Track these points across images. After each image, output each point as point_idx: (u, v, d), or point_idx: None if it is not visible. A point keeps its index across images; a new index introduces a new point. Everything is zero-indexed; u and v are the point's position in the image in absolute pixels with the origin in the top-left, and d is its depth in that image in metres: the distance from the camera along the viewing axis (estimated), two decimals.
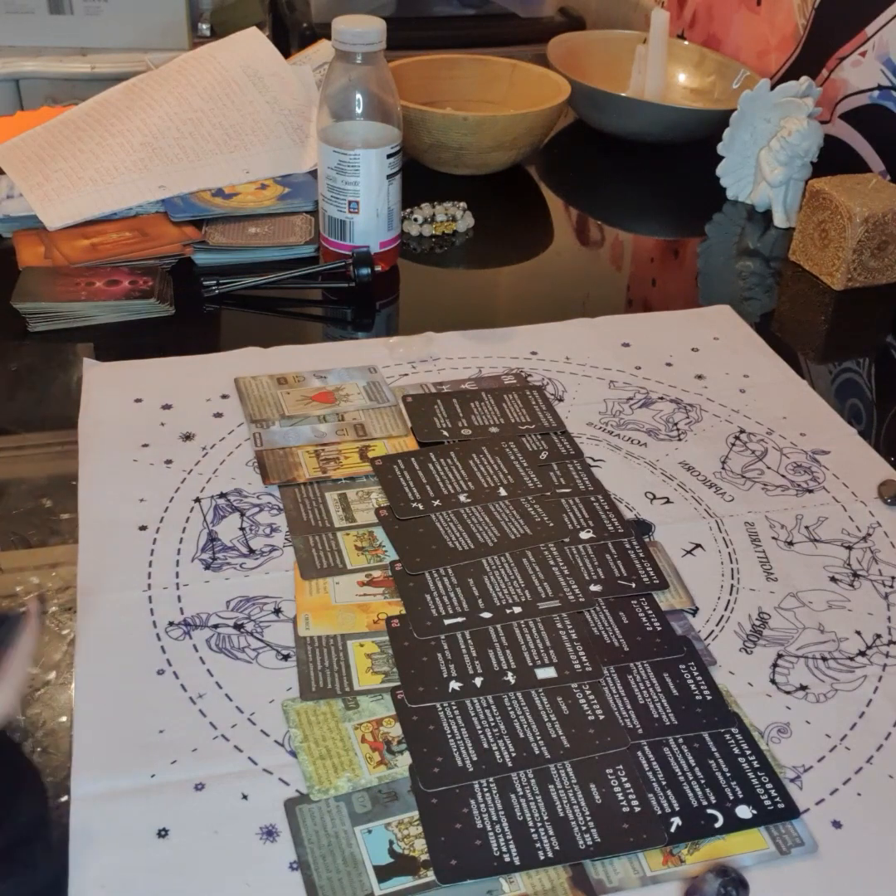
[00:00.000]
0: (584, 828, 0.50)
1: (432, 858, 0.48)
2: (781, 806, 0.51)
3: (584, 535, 0.67)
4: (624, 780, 0.52)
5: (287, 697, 0.56)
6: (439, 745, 0.53)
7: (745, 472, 0.74)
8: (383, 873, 0.48)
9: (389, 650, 0.58)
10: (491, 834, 0.49)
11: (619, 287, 1.03)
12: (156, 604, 0.61)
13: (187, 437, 0.74)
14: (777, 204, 1.08)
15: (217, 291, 0.90)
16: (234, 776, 0.52)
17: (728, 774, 0.52)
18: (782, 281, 1.01)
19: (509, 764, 0.52)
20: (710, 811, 0.51)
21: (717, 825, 0.50)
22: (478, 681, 0.56)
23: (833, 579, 0.65)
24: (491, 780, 0.51)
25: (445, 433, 0.75)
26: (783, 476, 0.74)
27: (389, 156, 0.91)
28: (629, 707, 0.56)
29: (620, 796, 0.51)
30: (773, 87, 1.08)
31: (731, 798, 0.51)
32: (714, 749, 0.54)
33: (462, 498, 0.69)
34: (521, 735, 0.54)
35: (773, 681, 0.58)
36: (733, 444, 0.76)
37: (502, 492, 0.69)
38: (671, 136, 1.22)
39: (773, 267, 1.03)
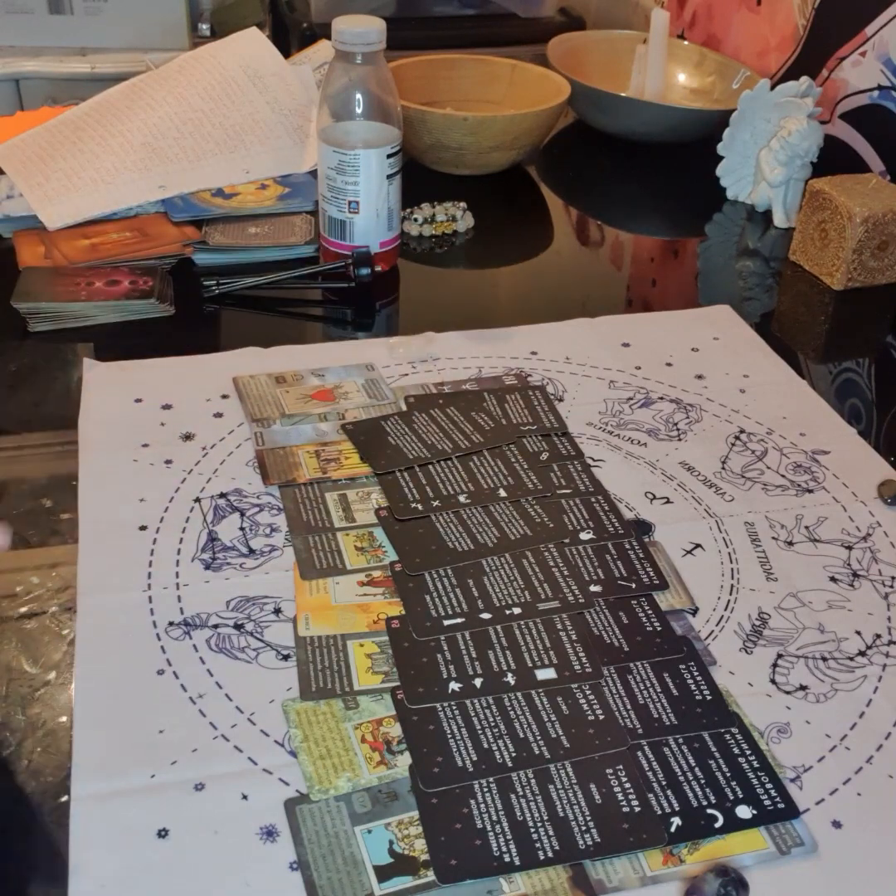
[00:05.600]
0: (584, 828, 0.50)
1: (432, 858, 0.48)
2: (781, 806, 0.51)
3: (584, 535, 0.67)
4: (624, 780, 0.52)
5: (287, 697, 0.56)
6: (439, 745, 0.53)
7: (745, 472, 0.74)
8: (383, 873, 0.48)
9: (389, 650, 0.58)
10: (491, 834, 0.49)
11: (619, 287, 1.03)
12: (156, 604, 0.61)
13: (187, 437, 0.74)
14: (777, 204, 1.08)
15: (217, 291, 0.90)
16: (234, 776, 0.52)
17: (728, 774, 0.52)
18: (782, 281, 1.01)
19: (509, 764, 0.52)
20: (710, 811, 0.51)
21: (717, 825, 0.50)
22: (478, 682, 0.56)
23: (833, 579, 0.65)
24: (491, 780, 0.51)
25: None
26: (783, 476, 0.74)
27: (389, 156, 0.91)
28: (629, 707, 0.56)
29: (620, 796, 0.51)
30: (773, 87, 1.08)
31: (731, 798, 0.51)
32: (714, 749, 0.54)
33: (462, 498, 0.69)
34: (521, 735, 0.54)
35: (773, 681, 0.58)
36: (733, 444, 0.76)
37: (502, 492, 0.69)
38: (671, 136, 1.22)
39: (773, 267, 1.03)
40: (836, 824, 0.51)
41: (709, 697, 0.56)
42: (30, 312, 0.86)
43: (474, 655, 0.58)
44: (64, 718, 0.54)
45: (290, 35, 1.57)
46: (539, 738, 0.53)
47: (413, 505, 0.68)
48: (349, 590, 0.62)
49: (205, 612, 0.61)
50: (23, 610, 0.60)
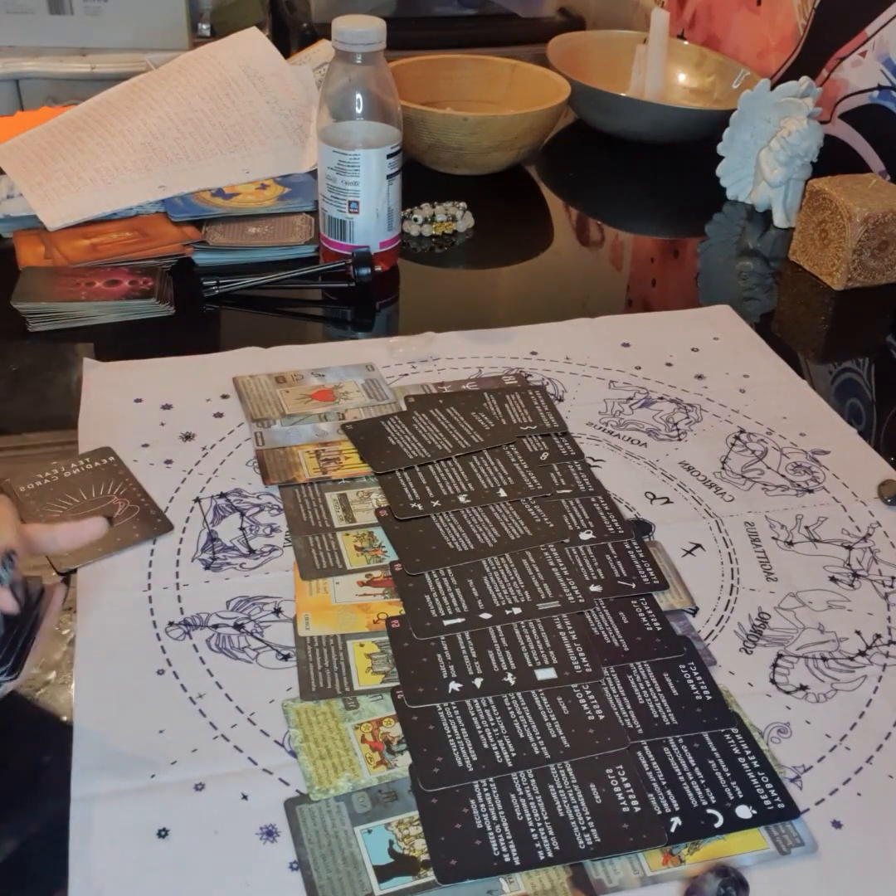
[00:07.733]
0: (584, 828, 0.50)
1: (432, 858, 0.48)
2: (781, 806, 0.51)
3: (584, 535, 0.67)
4: (624, 780, 0.52)
5: (287, 697, 0.56)
6: (439, 745, 0.53)
7: (745, 472, 0.74)
8: (383, 873, 0.48)
9: (389, 650, 0.58)
10: (491, 834, 0.49)
11: (619, 287, 1.03)
12: (156, 604, 0.61)
13: (187, 437, 0.74)
14: (777, 204, 1.08)
15: (217, 291, 0.90)
16: (234, 776, 0.52)
17: (728, 774, 0.52)
18: (782, 281, 1.01)
19: (509, 764, 0.52)
20: (710, 811, 0.51)
21: (717, 825, 0.50)
22: (478, 682, 0.56)
23: (833, 579, 0.65)
24: (491, 780, 0.51)
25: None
26: (783, 476, 0.74)
27: (389, 156, 0.91)
28: (629, 707, 0.56)
29: (620, 796, 0.51)
30: (773, 87, 1.08)
31: (731, 798, 0.51)
32: (714, 749, 0.54)
33: (462, 498, 0.69)
34: (521, 735, 0.54)
35: (773, 681, 0.58)
36: (733, 444, 0.76)
37: (502, 492, 0.69)
38: (671, 137, 1.22)
39: (773, 267, 1.03)
40: (836, 824, 0.51)
41: (709, 697, 0.56)
42: (30, 312, 0.86)
43: (474, 655, 0.58)
44: (64, 718, 0.54)
45: (290, 35, 1.57)
46: (539, 738, 0.53)
47: (413, 505, 0.68)
48: (349, 590, 0.62)
49: (205, 612, 0.61)
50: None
